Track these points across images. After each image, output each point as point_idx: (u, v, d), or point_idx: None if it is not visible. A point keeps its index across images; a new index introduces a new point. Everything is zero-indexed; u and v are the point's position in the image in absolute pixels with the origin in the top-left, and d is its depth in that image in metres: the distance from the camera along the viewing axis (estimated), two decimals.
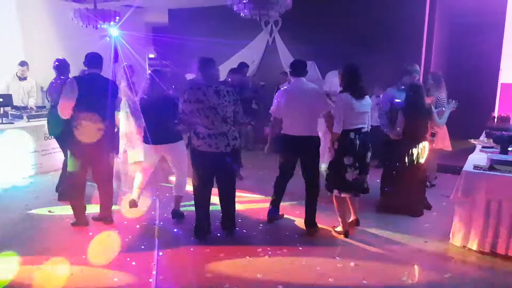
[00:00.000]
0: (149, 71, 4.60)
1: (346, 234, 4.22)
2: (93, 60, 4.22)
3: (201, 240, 4.08)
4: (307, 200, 4.35)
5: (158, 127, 4.44)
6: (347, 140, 4.04)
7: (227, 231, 4.23)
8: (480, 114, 5.36)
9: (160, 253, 3.83)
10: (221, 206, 4.26)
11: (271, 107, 4.36)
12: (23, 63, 7.04)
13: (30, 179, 6.19)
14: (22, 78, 7.09)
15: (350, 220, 4.39)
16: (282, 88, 4.42)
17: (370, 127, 4.26)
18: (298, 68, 4.28)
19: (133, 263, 3.65)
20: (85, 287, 3.30)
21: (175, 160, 4.63)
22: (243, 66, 6.81)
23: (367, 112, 4.15)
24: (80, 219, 4.40)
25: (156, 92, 4.40)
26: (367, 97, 4.17)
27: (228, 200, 4.23)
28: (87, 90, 4.10)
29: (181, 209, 4.72)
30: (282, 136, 4.31)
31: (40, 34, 8.34)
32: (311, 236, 4.26)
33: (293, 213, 4.79)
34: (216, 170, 4.06)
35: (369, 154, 4.17)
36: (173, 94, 4.54)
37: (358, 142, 4.05)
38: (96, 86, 4.19)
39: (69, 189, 4.53)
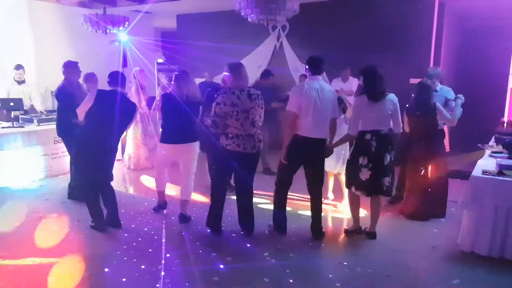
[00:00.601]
0: (176, 72, 4.62)
1: (359, 231, 4.31)
2: (111, 77, 4.43)
3: (215, 232, 4.31)
4: (315, 204, 4.31)
5: (180, 126, 4.52)
6: (362, 141, 4.07)
7: (246, 230, 4.35)
8: (489, 119, 5.30)
9: (168, 255, 3.86)
10: (238, 205, 4.39)
11: (288, 104, 4.12)
12: (18, 67, 7.09)
13: (40, 182, 6.26)
14: (21, 82, 7.13)
15: (365, 227, 4.36)
16: (297, 84, 4.39)
17: (400, 128, 4.15)
18: (316, 65, 4.12)
19: (142, 266, 3.68)
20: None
21: (189, 161, 4.65)
22: (268, 73, 6.96)
23: (387, 114, 4.05)
24: (97, 222, 4.47)
25: (182, 92, 4.45)
26: (389, 99, 4.04)
27: (246, 199, 4.34)
28: (99, 104, 4.26)
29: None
30: (295, 137, 4.12)
31: (50, 38, 8.44)
32: (319, 240, 4.25)
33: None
34: (237, 169, 4.16)
35: (388, 156, 4.08)
36: (199, 97, 4.62)
37: (375, 143, 4.02)
38: (108, 103, 4.29)
39: (83, 190, 4.64)
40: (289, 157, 4.15)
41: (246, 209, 4.37)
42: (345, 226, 4.59)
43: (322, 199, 4.39)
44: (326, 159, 4.32)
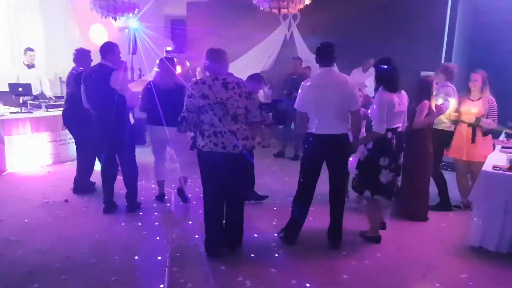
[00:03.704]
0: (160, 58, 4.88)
1: (378, 239, 4.00)
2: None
3: (213, 256, 3.62)
4: (335, 207, 3.88)
5: (167, 110, 4.50)
6: (384, 140, 3.78)
7: (228, 247, 3.73)
8: (501, 113, 5.24)
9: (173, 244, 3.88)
10: (225, 217, 3.74)
11: (295, 103, 3.82)
12: (29, 49, 7.01)
13: (48, 168, 6.29)
14: (31, 66, 7.08)
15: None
16: (305, 80, 3.90)
17: (405, 125, 4.04)
18: (326, 55, 3.72)
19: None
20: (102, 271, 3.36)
21: (181, 142, 4.70)
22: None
23: (405, 111, 3.95)
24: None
25: (165, 78, 4.66)
26: (404, 94, 3.91)
27: (234, 211, 3.71)
28: (87, 82, 4.47)
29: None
30: (306, 136, 3.82)
31: (60, 24, 8.43)
32: (335, 249, 3.88)
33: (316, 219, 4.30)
34: (225, 175, 3.55)
35: (402, 154, 3.96)
36: (181, 82, 4.74)
37: (394, 142, 3.82)
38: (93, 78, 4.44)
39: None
40: (306, 156, 3.85)
41: (230, 221, 3.73)
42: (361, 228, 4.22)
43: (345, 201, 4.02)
44: None
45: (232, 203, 3.71)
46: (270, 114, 4.17)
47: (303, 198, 3.89)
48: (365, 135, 4.31)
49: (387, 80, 3.79)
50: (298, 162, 4.03)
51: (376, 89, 3.88)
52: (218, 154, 3.46)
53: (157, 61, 4.97)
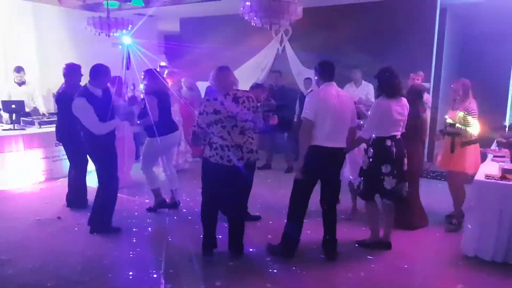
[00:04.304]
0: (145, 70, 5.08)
1: (375, 244, 4.06)
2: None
3: (209, 256, 3.86)
4: (328, 219, 3.91)
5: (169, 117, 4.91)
6: (383, 148, 3.86)
7: (234, 253, 3.93)
8: (490, 123, 5.31)
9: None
10: (228, 225, 3.96)
11: (303, 111, 3.76)
12: (19, 69, 7.07)
13: (41, 185, 6.24)
14: (21, 84, 7.11)
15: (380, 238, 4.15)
16: (314, 91, 4.01)
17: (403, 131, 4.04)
18: (330, 70, 3.80)
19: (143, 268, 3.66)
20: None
21: (173, 149, 5.11)
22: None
23: (403, 119, 3.94)
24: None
25: (154, 87, 4.88)
26: (404, 100, 3.94)
27: (236, 220, 3.93)
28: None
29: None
30: (313, 147, 3.73)
31: (54, 41, 8.46)
32: (331, 260, 3.88)
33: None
34: (227, 185, 3.75)
35: (406, 160, 3.99)
36: (169, 91, 5.12)
37: (394, 149, 3.86)
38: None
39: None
40: (306, 170, 3.72)
41: (235, 234, 3.93)
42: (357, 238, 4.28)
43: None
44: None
45: (233, 212, 3.92)
46: (275, 116, 4.51)
47: (299, 209, 3.84)
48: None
49: (387, 88, 3.87)
50: (292, 174, 4.00)
51: (377, 97, 3.98)
52: (224, 166, 3.63)
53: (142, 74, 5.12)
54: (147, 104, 4.77)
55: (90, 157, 4.51)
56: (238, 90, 3.80)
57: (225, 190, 3.78)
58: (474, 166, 4.52)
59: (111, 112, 4.29)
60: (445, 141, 4.76)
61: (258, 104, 3.87)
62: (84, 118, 4.17)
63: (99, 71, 4.26)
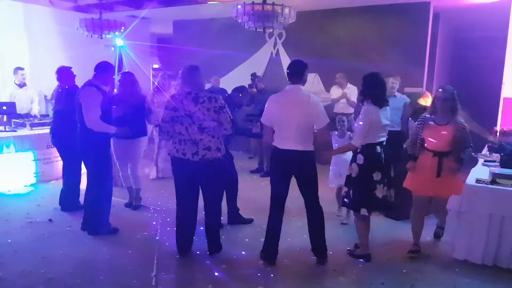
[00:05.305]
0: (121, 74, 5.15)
1: (368, 257, 3.95)
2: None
3: (183, 256, 3.92)
4: (312, 222, 3.88)
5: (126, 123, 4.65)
6: (374, 155, 3.79)
7: (210, 254, 3.99)
8: (482, 128, 5.35)
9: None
10: (205, 222, 4.06)
11: (262, 115, 3.88)
12: (20, 68, 7.03)
13: (32, 188, 6.19)
14: (22, 85, 7.07)
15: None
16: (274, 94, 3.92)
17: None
18: (297, 72, 3.77)
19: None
20: None
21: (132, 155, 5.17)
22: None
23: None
24: None
25: (125, 91, 4.95)
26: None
27: (209, 216, 4.02)
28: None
29: None
30: (273, 149, 3.85)
31: (45, 43, 8.41)
32: (323, 264, 3.88)
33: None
34: (190, 182, 3.88)
35: (392, 166, 3.94)
36: (141, 94, 5.12)
37: (383, 155, 3.84)
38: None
39: None
40: (270, 169, 3.99)
41: (207, 229, 4.04)
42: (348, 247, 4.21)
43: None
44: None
45: (206, 209, 4.01)
46: (259, 123, 4.28)
47: (274, 212, 3.88)
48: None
49: (374, 95, 3.79)
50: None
51: (361, 102, 3.88)
52: (180, 159, 3.81)
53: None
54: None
55: (84, 157, 4.48)
56: (202, 90, 3.90)
57: (190, 188, 3.90)
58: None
59: (110, 113, 4.40)
60: (424, 162, 4.00)
61: (225, 104, 3.83)
62: (88, 106, 4.20)
63: (107, 68, 4.40)
